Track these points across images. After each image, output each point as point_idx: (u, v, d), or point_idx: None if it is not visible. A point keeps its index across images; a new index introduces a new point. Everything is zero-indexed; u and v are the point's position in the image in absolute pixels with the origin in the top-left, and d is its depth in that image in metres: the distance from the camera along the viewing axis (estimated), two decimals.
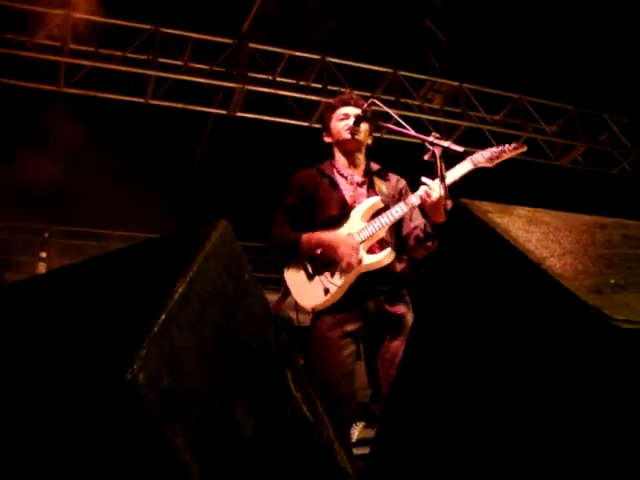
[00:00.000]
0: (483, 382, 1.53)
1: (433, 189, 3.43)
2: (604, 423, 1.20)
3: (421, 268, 3.87)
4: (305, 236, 3.68)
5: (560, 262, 1.42)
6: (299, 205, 3.82)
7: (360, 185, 3.85)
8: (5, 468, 1.36)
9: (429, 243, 3.58)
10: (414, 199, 3.53)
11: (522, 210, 1.64)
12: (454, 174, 3.48)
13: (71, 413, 1.26)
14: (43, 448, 1.30)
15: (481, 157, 3.50)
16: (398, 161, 4.11)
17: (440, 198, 3.38)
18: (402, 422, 1.77)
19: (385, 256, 3.55)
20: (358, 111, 3.80)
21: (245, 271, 1.62)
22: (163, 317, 1.30)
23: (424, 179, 3.49)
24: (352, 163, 3.90)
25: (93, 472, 1.29)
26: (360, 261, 3.55)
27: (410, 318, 3.61)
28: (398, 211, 3.56)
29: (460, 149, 3.38)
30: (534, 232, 1.53)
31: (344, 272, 3.55)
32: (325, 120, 4.04)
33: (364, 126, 3.84)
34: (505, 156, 3.52)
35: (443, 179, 3.33)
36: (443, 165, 3.32)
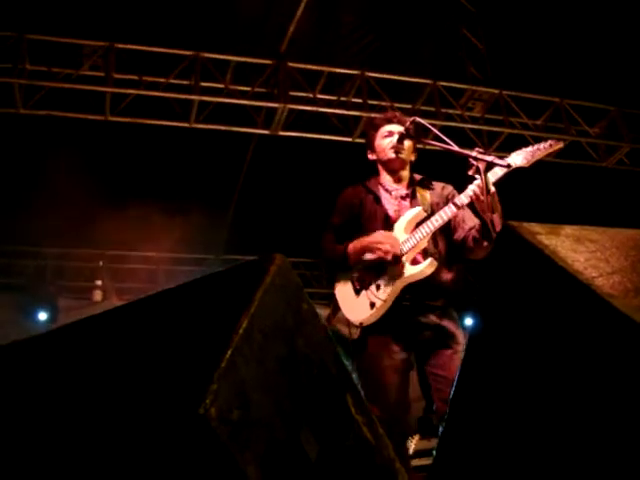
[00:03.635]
0: (538, 397, 1.57)
1: (482, 190, 3.43)
2: None
3: (469, 276, 3.89)
4: (351, 245, 3.73)
5: (609, 281, 1.45)
6: (346, 223, 3.88)
7: (404, 198, 3.89)
8: None
9: (485, 243, 3.58)
10: (464, 198, 3.54)
11: (569, 229, 1.67)
12: (491, 177, 3.47)
13: (149, 446, 1.33)
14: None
15: (517, 157, 3.50)
16: (443, 172, 4.14)
17: (487, 197, 3.39)
18: (462, 436, 1.81)
19: (426, 266, 3.57)
20: (401, 128, 3.84)
21: (303, 301, 1.68)
22: (229, 352, 1.37)
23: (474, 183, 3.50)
24: (397, 179, 3.94)
25: None
26: (402, 252, 3.59)
27: (458, 333, 3.64)
28: (441, 217, 3.58)
29: (504, 162, 3.40)
30: (582, 252, 1.56)
31: (389, 264, 3.59)
32: (369, 138, 4.08)
33: (407, 143, 3.88)
34: (539, 154, 3.50)
35: (489, 193, 3.35)
36: (489, 180, 3.35)
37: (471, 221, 3.74)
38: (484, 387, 1.78)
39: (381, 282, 3.62)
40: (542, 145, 3.53)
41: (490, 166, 3.39)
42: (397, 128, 3.90)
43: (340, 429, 1.67)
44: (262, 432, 1.40)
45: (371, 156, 4.06)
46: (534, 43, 8.96)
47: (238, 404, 1.34)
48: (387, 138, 3.93)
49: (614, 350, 1.33)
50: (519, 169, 3.48)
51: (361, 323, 3.63)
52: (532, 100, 9.94)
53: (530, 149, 3.50)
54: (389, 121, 3.98)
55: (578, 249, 1.58)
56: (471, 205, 3.57)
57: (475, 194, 3.46)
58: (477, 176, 3.38)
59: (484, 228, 3.54)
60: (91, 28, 8.06)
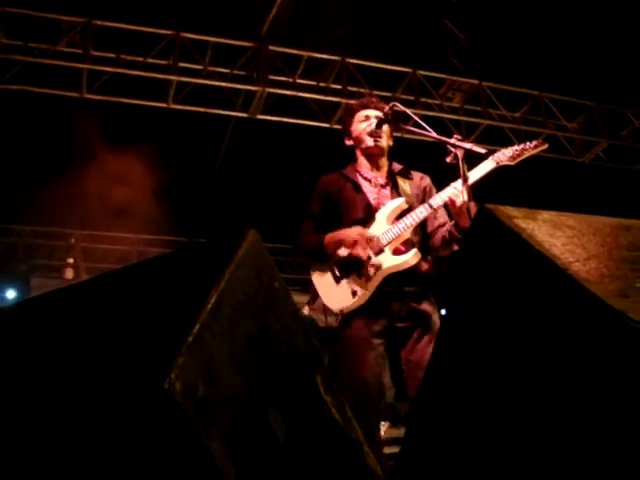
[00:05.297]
0: (510, 384, 1.55)
1: (458, 195, 3.45)
2: (633, 425, 1.22)
3: (443, 266, 3.88)
4: (328, 236, 3.70)
5: (585, 267, 1.43)
6: (324, 211, 3.85)
7: (384, 187, 3.86)
8: (45, 470, 1.40)
9: (455, 246, 3.60)
10: (438, 200, 3.54)
11: (547, 214, 1.66)
12: (477, 173, 3.50)
13: (112, 420, 1.30)
14: (85, 453, 1.34)
15: (503, 155, 3.51)
16: (420, 160, 4.11)
17: (464, 202, 3.40)
18: (431, 422, 1.80)
19: (411, 256, 3.56)
20: (378, 113, 3.82)
21: (275, 279, 1.65)
22: (197, 327, 1.34)
23: (452, 184, 3.51)
24: (375, 166, 3.91)
25: (132, 476, 1.33)
26: (369, 257, 3.57)
27: (436, 318, 3.63)
28: (423, 212, 3.57)
29: (482, 150, 3.39)
30: (559, 237, 1.54)
31: (364, 270, 3.57)
32: (345, 123, 4.05)
33: (385, 128, 3.86)
34: (527, 154, 3.55)
35: (466, 181, 3.34)
36: (466, 167, 3.34)
37: (442, 218, 3.76)
38: (456, 373, 1.76)
39: (363, 271, 3.59)
40: (528, 145, 3.58)
41: (468, 153, 3.37)
42: (374, 113, 3.87)
43: (309, 409, 1.65)
44: (229, 409, 1.37)
45: (348, 142, 4.02)
46: (515, 35, 8.97)
47: (205, 379, 1.32)
48: (364, 123, 3.89)
49: (589, 335, 1.31)
50: (505, 167, 3.50)
51: (341, 311, 3.60)
52: (511, 92, 9.95)
53: (517, 147, 3.54)
54: (365, 106, 3.95)
55: (555, 234, 1.56)
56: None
57: (450, 200, 3.47)
58: (455, 162, 3.37)
59: (454, 232, 3.58)
60: (70, 3, 7.94)
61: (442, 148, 3.47)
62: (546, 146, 3.67)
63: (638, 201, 9.46)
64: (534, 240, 1.49)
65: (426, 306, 3.63)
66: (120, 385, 1.33)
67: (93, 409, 1.34)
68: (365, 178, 3.88)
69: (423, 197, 3.77)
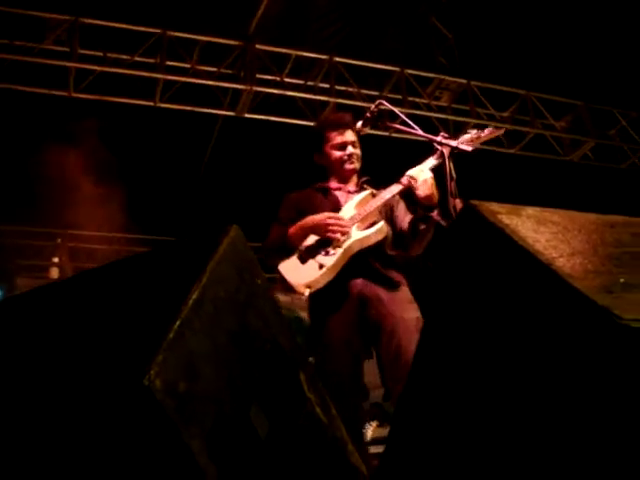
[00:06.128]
0: (494, 381, 1.55)
1: (420, 172, 3.48)
2: (615, 422, 1.21)
3: (429, 263, 3.86)
4: (292, 228, 3.65)
5: (569, 262, 1.43)
6: (294, 219, 3.75)
7: (351, 193, 3.86)
8: (21, 470, 1.38)
9: (422, 226, 3.56)
10: (404, 180, 3.54)
11: (531, 210, 1.65)
12: (431, 161, 3.53)
13: (91, 418, 1.29)
14: (64, 451, 1.33)
15: (462, 140, 3.48)
16: (404, 159, 4.10)
17: (429, 178, 3.44)
18: (415, 421, 1.79)
19: (377, 229, 3.55)
20: (354, 137, 3.83)
21: (257, 276, 1.64)
22: (178, 323, 1.32)
23: (418, 166, 3.56)
24: (345, 181, 3.92)
25: (112, 474, 1.31)
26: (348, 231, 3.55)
27: (405, 289, 3.63)
28: (391, 191, 3.57)
29: (469, 148, 3.38)
30: (543, 232, 1.54)
31: (331, 248, 3.55)
32: (318, 142, 3.98)
33: (359, 152, 3.87)
34: (483, 138, 3.56)
35: (452, 179, 3.33)
36: (452, 165, 3.33)
37: (409, 217, 3.74)
38: (440, 371, 1.75)
39: (330, 249, 3.55)
40: (487, 131, 3.58)
41: (454, 151, 3.37)
42: (350, 137, 3.85)
43: (292, 407, 1.64)
44: (209, 406, 1.36)
45: (319, 160, 3.98)
46: (503, 35, 8.98)
47: (185, 376, 1.30)
48: (340, 151, 3.86)
49: (573, 330, 1.30)
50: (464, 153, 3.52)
51: (309, 286, 3.51)
52: (499, 92, 9.97)
53: (475, 133, 3.55)
54: (337, 127, 3.88)
55: (539, 230, 1.56)
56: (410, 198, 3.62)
57: (412, 177, 3.49)
58: (441, 161, 3.37)
59: (417, 214, 3.59)
60: (56, 1, 7.90)
61: (429, 147, 3.47)
62: (502, 131, 3.80)
63: (625, 200, 9.49)
64: (517, 236, 1.48)
65: (400, 296, 3.59)
66: (100, 382, 1.32)
67: (73, 406, 1.32)
68: (334, 188, 3.88)
69: (391, 205, 3.78)
